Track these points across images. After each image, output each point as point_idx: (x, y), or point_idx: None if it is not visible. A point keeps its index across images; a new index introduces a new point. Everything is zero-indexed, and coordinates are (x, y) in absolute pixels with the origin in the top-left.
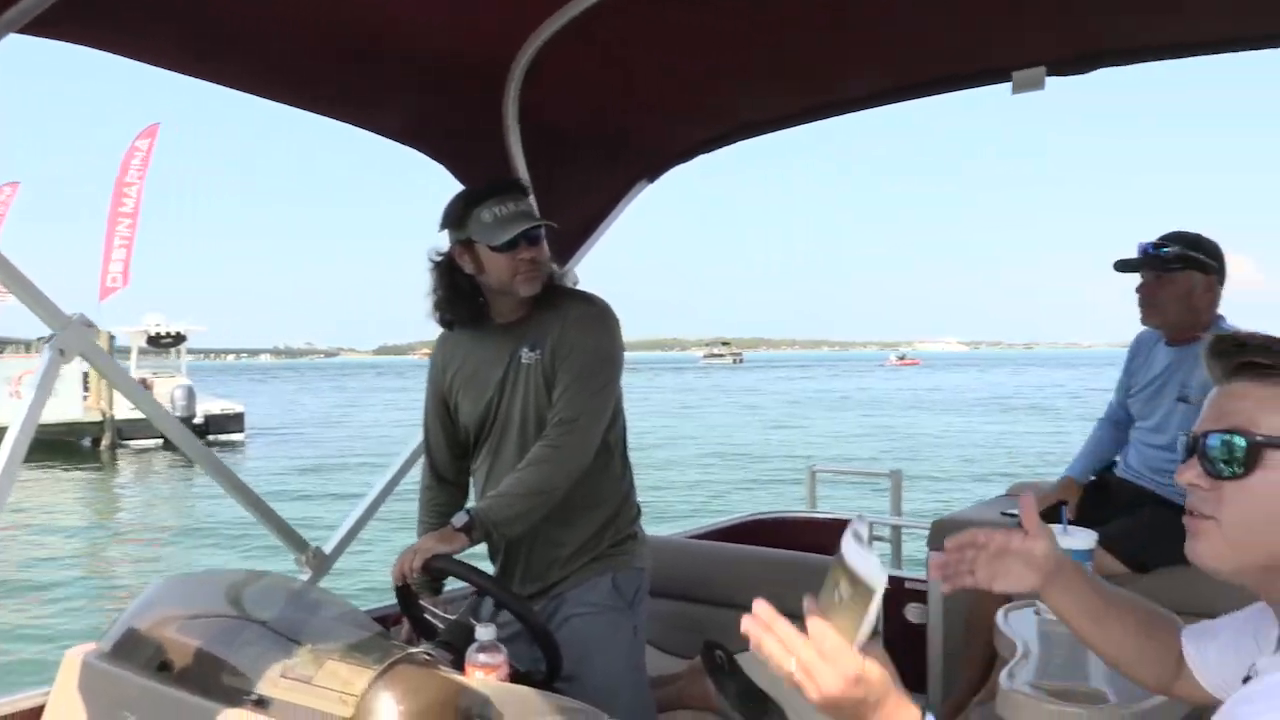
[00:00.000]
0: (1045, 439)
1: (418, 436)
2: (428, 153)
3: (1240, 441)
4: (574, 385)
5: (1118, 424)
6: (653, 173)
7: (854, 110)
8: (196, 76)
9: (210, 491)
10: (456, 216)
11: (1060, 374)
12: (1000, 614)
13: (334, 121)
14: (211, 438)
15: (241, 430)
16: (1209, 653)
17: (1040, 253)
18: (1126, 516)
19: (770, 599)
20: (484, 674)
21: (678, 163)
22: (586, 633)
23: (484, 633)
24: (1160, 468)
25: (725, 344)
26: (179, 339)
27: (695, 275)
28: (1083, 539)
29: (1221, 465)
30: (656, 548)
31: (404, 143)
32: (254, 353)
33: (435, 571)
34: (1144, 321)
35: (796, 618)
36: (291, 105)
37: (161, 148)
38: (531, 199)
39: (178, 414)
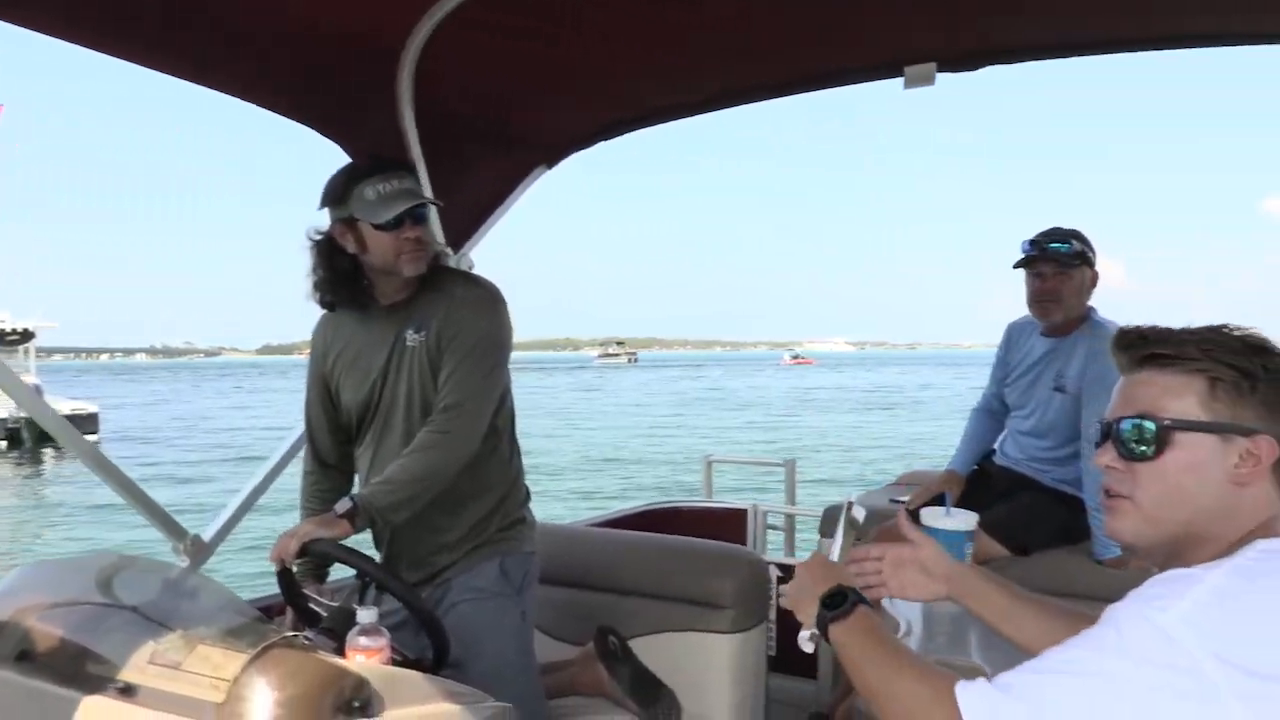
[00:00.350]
0: (929, 431)
1: (301, 424)
2: (320, 130)
3: (1150, 425)
4: (461, 369)
5: (993, 413)
6: (551, 159)
7: (750, 101)
8: (83, 45)
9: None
10: (338, 193)
11: (945, 373)
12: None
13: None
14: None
15: (95, 431)
16: None
17: (923, 254)
18: (1006, 502)
19: (664, 584)
20: (364, 657)
21: (577, 149)
22: (474, 618)
23: (365, 615)
24: (1036, 455)
25: (620, 343)
26: (26, 335)
27: (587, 274)
28: (963, 520)
29: (1134, 447)
30: (550, 535)
31: (296, 119)
32: (129, 352)
33: (319, 557)
34: (1043, 317)
35: (687, 602)
36: (183, 79)
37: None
38: (419, 177)
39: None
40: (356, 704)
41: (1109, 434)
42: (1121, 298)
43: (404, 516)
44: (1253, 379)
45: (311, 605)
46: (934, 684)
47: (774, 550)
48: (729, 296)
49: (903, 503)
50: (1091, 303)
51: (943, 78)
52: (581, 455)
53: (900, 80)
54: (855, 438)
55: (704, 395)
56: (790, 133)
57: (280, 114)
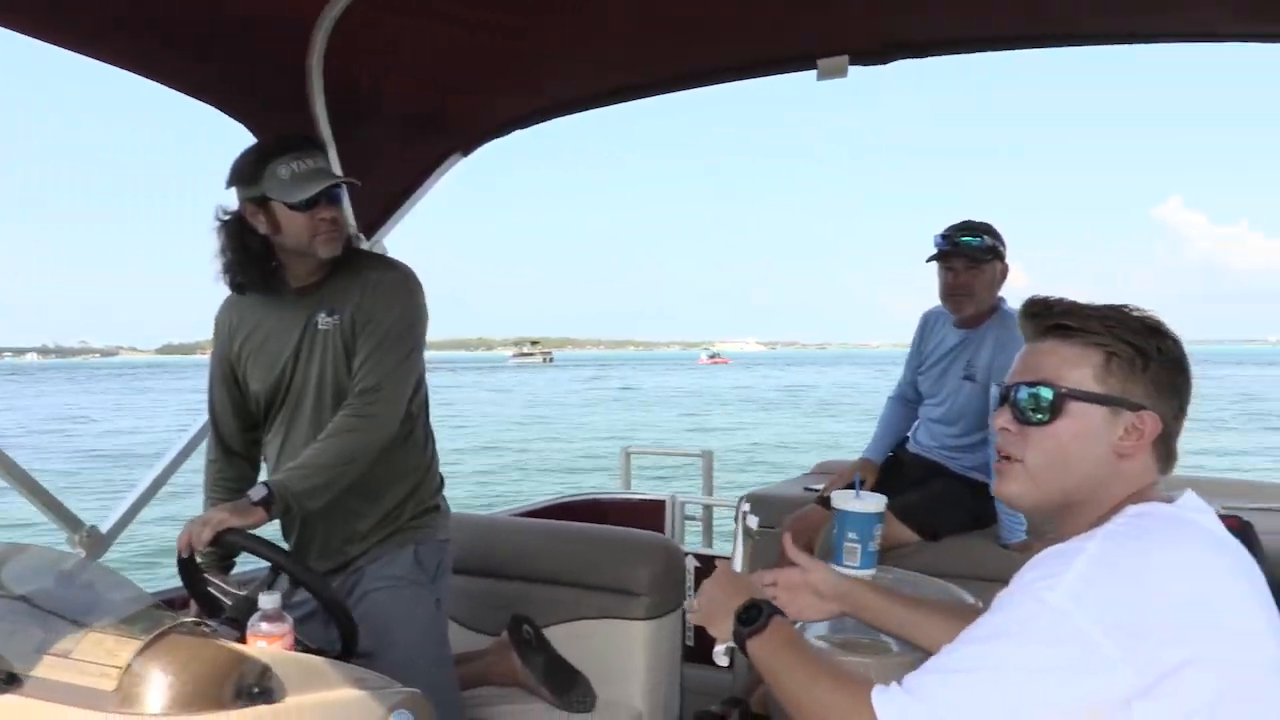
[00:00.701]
0: (845, 429)
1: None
2: (229, 112)
3: (1047, 392)
4: (377, 353)
5: (907, 401)
6: (467, 146)
7: (665, 91)
8: None
9: None
10: (249, 172)
11: (859, 372)
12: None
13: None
14: None
15: None
16: None
17: (831, 254)
18: (917, 489)
19: (579, 571)
20: (267, 644)
21: (493, 137)
22: (387, 607)
23: (267, 601)
24: (947, 443)
25: (534, 343)
26: None
27: (499, 274)
28: (873, 503)
29: (1030, 413)
30: (464, 525)
31: (205, 100)
32: (19, 351)
33: (226, 546)
34: (956, 310)
35: (603, 589)
36: (81, 54)
37: None
38: (332, 157)
39: None
40: (257, 689)
41: (1007, 398)
42: (1018, 299)
43: (320, 503)
44: (1146, 358)
45: (214, 594)
46: (851, 692)
47: (692, 541)
48: (640, 296)
49: (817, 490)
50: (1001, 294)
51: (855, 71)
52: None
53: (814, 72)
54: (772, 434)
55: (623, 395)
56: (699, 130)
57: (185, 93)
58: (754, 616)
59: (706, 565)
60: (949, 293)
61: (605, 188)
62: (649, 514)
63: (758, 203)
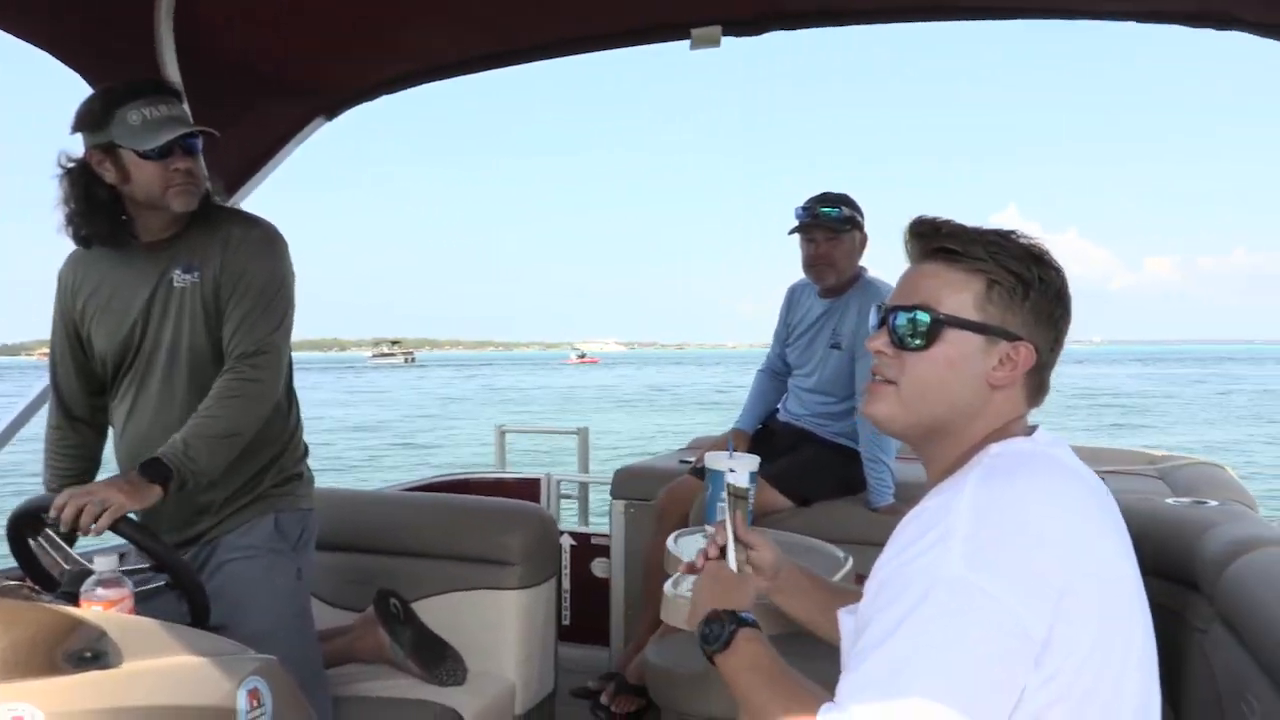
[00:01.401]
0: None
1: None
2: (70, 63)
3: (925, 317)
4: (252, 315)
5: (776, 373)
6: (332, 110)
7: (537, 59)
8: None
9: None
10: (96, 117)
11: (720, 371)
12: (670, 539)
13: None
14: None
15: None
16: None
17: (688, 257)
18: (788, 456)
19: (450, 543)
20: (102, 609)
21: (360, 101)
22: (244, 576)
23: (103, 563)
24: (818, 411)
25: (395, 343)
26: None
27: (352, 272)
28: (746, 462)
29: (907, 337)
30: (329, 500)
31: (45, 48)
32: None
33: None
34: (818, 280)
35: (474, 560)
36: None
37: None
38: (186, 106)
39: None
40: (89, 654)
41: (885, 320)
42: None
43: (215, 474)
44: (1027, 286)
45: (52, 571)
46: (798, 715)
47: (567, 517)
48: (499, 297)
49: (690, 462)
50: (861, 263)
51: (729, 40)
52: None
53: (687, 42)
54: (654, 429)
55: (508, 395)
56: (562, 124)
57: (28, 41)
58: (716, 634)
59: (583, 543)
60: (810, 263)
61: (462, 184)
62: (524, 493)
63: (617, 201)
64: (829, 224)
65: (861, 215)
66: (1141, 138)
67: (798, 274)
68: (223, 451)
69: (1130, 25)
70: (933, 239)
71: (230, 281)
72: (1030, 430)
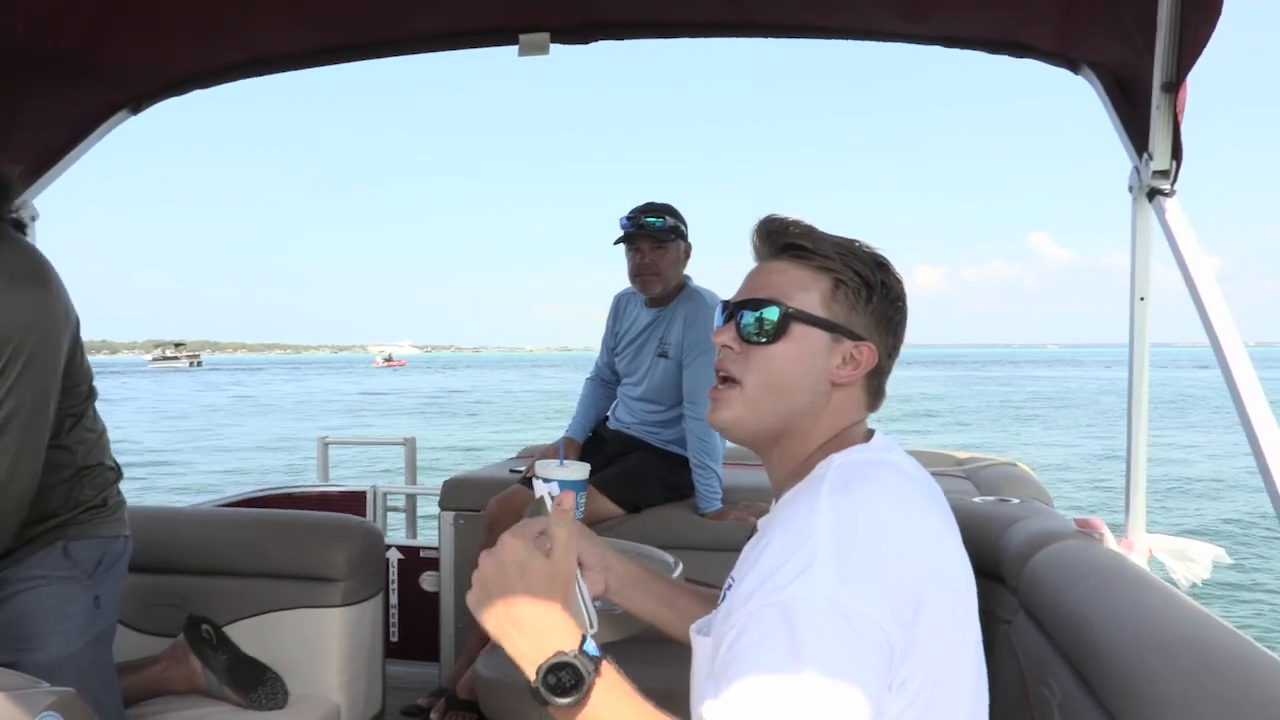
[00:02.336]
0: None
1: None
2: None
3: (773, 312)
4: None
5: (605, 382)
6: (137, 103)
7: (362, 58)
8: None
9: None
10: None
11: (524, 372)
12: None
13: None
14: None
15: None
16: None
17: (487, 262)
18: (618, 464)
19: (268, 560)
20: None
21: (169, 95)
22: (30, 606)
23: None
24: (646, 418)
25: (179, 345)
26: None
27: (124, 272)
28: (577, 470)
29: (753, 331)
30: (135, 517)
31: None
32: None
33: None
34: (645, 290)
35: (295, 578)
36: None
37: None
38: None
39: None
40: None
41: (732, 315)
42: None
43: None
44: (871, 290)
45: None
46: None
47: (394, 532)
48: (285, 298)
49: (520, 471)
50: (686, 272)
51: (557, 48)
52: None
53: (515, 48)
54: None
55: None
56: (349, 131)
57: None
58: (569, 684)
59: (411, 557)
60: (636, 273)
61: (244, 189)
62: (349, 506)
63: (412, 204)
64: (654, 233)
65: (685, 225)
66: (919, 153)
67: (600, 278)
68: None
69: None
70: (783, 236)
71: None
72: (869, 435)
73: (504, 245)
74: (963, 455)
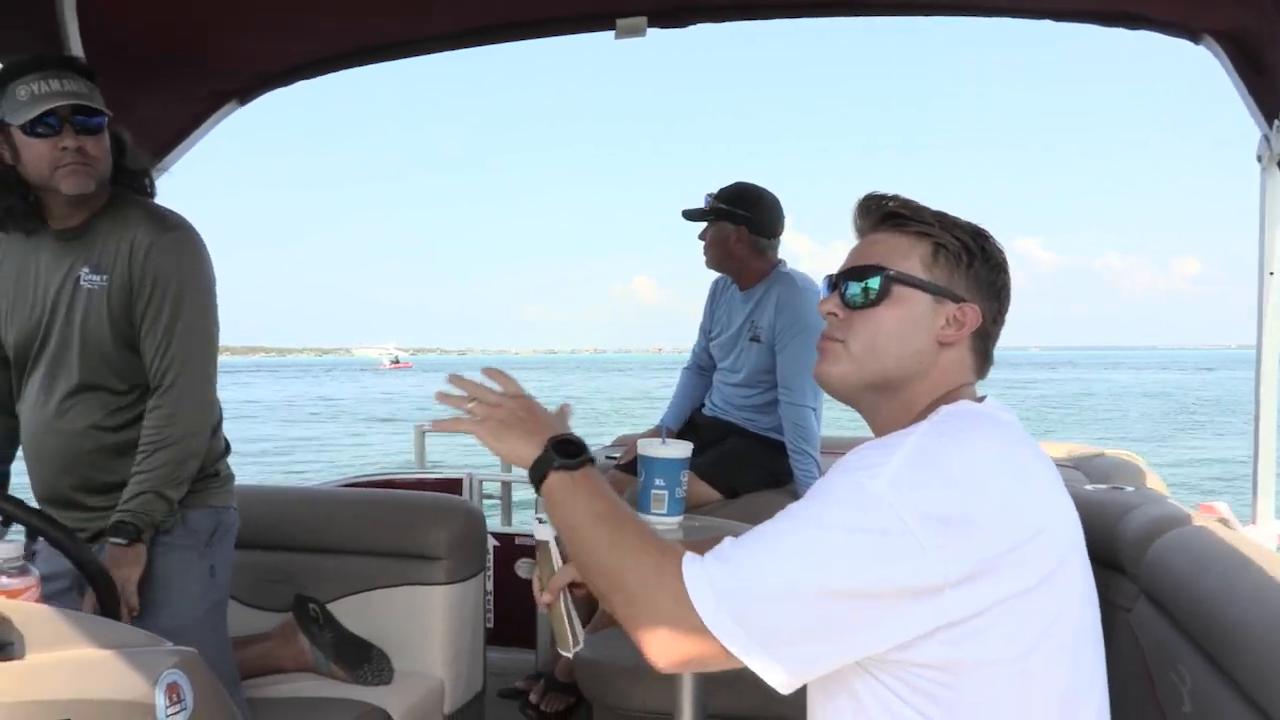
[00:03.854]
0: None
1: None
2: None
3: (874, 277)
4: (171, 330)
5: (701, 369)
6: (244, 94)
7: (462, 46)
8: None
9: None
10: None
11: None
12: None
13: None
14: None
15: None
16: None
17: (475, 263)
18: (715, 449)
19: (374, 539)
20: (4, 598)
21: (275, 86)
22: (151, 573)
23: (5, 550)
24: (741, 403)
25: None
26: None
27: None
28: (679, 449)
29: (856, 296)
30: (244, 497)
31: None
32: None
33: None
34: (712, 267)
35: (400, 555)
36: None
37: None
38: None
39: None
40: None
41: (836, 285)
42: (655, 311)
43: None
44: (971, 255)
45: None
46: (659, 560)
47: (489, 519)
48: (267, 299)
49: (615, 459)
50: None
51: (654, 32)
52: None
53: (612, 32)
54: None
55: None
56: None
57: None
58: (572, 452)
59: (506, 544)
60: (704, 252)
61: (218, 184)
62: (446, 492)
63: (398, 209)
64: (701, 213)
65: (734, 206)
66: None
67: (591, 281)
68: (177, 490)
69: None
70: (881, 208)
71: (141, 294)
72: (980, 399)
73: (490, 244)
74: (1070, 447)
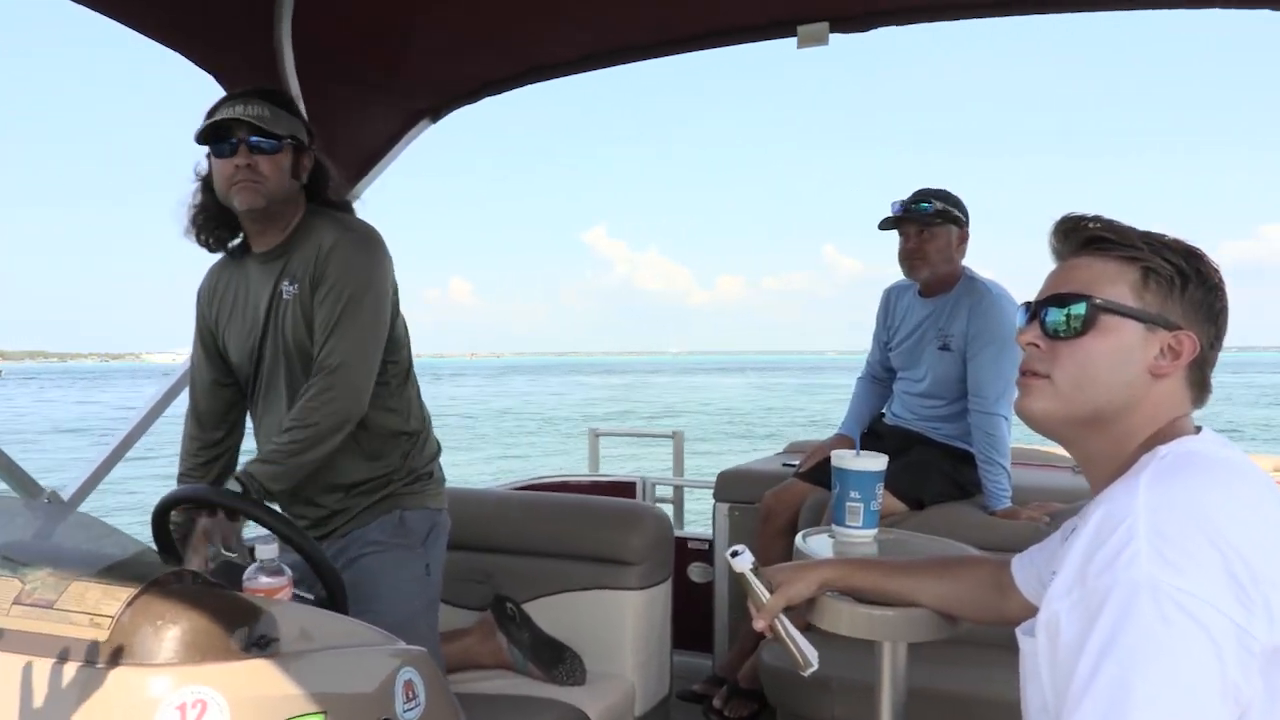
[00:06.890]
0: None
1: (179, 370)
2: (196, 61)
3: (1079, 306)
4: (334, 324)
5: (877, 379)
6: (436, 112)
7: (643, 58)
8: None
9: None
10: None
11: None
12: (799, 537)
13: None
14: None
15: None
16: (1029, 570)
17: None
18: (899, 459)
19: (568, 543)
20: (265, 596)
21: (463, 103)
22: (372, 570)
23: (265, 551)
24: (926, 414)
25: None
26: None
27: None
28: (874, 461)
29: (1059, 327)
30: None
31: (172, 46)
32: None
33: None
34: (911, 275)
35: (593, 560)
36: None
37: None
38: (296, 112)
39: None
40: (262, 639)
41: (1035, 314)
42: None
43: (289, 487)
44: (1185, 278)
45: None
46: None
47: None
48: (43, 301)
49: (794, 466)
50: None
51: (835, 38)
52: None
53: (794, 40)
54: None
55: None
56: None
57: (156, 39)
58: None
59: (680, 548)
60: (903, 257)
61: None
62: (620, 495)
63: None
64: (920, 218)
65: (961, 211)
66: (713, 167)
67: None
68: (297, 468)
69: None
70: (1082, 232)
71: (319, 288)
72: (1196, 430)
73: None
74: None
